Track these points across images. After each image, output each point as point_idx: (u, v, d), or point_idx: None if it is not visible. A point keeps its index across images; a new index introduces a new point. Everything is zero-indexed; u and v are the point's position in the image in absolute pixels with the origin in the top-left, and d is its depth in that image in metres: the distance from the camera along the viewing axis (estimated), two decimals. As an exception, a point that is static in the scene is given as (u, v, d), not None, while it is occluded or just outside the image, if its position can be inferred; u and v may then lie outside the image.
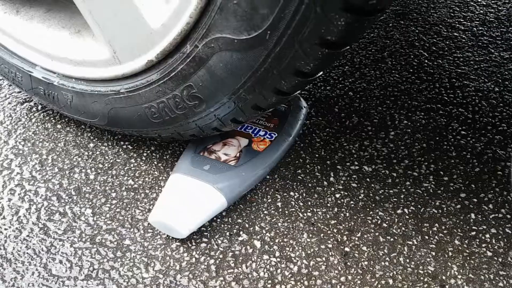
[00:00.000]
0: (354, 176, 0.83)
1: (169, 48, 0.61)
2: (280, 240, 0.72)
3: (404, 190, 0.80)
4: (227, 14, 0.51)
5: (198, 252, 0.70)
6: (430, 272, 0.67)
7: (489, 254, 0.70)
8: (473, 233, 0.73)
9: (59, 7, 0.85)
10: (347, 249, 0.71)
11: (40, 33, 0.81)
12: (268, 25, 0.49)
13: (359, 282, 0.66)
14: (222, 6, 0.51)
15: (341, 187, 0.81)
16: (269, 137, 0.83)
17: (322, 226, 0.74)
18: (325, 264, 0.69)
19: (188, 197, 0.71)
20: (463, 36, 1.20)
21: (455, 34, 1.21)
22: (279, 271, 0.68)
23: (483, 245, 0.71)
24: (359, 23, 0.47)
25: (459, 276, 0.67)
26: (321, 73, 0.58)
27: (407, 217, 0.76)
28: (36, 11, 0.84)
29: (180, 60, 0.61)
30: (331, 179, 0.82)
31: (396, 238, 0.72)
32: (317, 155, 0.87)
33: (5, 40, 0.85)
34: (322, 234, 0.73)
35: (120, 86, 0.71)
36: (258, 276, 0.67)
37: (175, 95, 0.65)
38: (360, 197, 0.79)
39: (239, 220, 0.76)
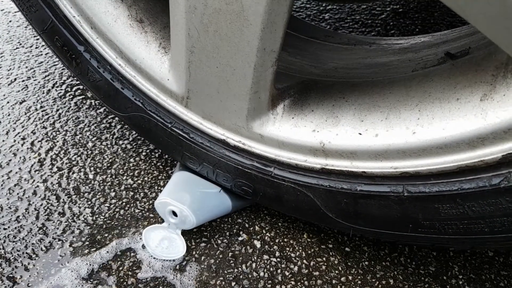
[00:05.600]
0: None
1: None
2: (280, 240, 0.72)
3: (404, 189, 0.80)
4: None
5: (198, 252, 0.70)
6: (431, 272, 0.67)
7: (490, 254, 0.70)
8: (474, 232, 0.73)
9: None
10: (347, 249, 0.71)
11: None
12: None
13: (359, 282, 0.66)
14: None
15: (341, 186, 0.80)
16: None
17: (323, 226, 0.74)
18: (325, 264, 0.68)
19: (198, 194, 0.71)
20: (464, 35, 1.19)
21: (456, 33, 1.20)
22: (279, 271, 0.67)
23: (484, 245, 0.71)
24: None
25: (460, 276, 0.66)
26: None
27: (408, 216, 0.75)
28: None
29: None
30: (332, 178, 0.82)
31: (397, 238, 0.72)
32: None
33: None
34: (322, 234, 0.73)
35: (173, 121, 0.68)
36: (258, 276, 0.66)
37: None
38: (360, 197, 0.79)
39: (239, 220, 0.75)
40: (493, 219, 0.45)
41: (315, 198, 0.59)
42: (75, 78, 1.09)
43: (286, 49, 0.77)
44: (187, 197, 0.68)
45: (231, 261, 0.68)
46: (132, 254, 0.69)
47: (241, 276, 0.66)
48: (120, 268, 0.67)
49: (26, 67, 1.14)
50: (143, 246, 0.70)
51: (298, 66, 0.70)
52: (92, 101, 1.02)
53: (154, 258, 0.68)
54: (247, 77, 0.53)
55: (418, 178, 0.49)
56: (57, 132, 0.93)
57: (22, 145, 0.90)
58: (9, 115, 0.98)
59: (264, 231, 0.73)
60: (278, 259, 0.69)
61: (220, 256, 0.69)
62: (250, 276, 0.66)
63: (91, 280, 0.65)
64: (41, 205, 0.77)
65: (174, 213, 0.68)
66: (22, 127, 0.94)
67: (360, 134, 0.51)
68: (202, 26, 0.51)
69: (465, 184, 0.45)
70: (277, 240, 0.72)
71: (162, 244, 0.68)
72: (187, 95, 0.62)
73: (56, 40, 0.73)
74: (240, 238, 0.72)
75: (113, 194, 0.80)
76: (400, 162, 0.49)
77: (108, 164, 0.86)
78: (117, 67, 0.69)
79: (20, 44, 1.24)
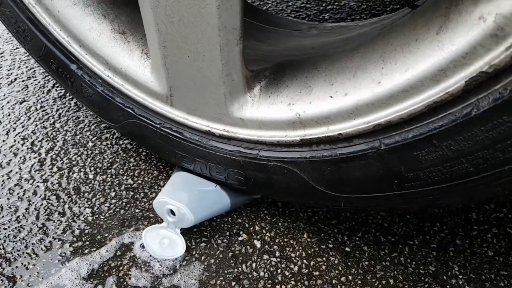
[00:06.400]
0: (355, 175, 0.82)
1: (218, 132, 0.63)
2: (281, 240, 0.72)
3: (405, 189, 0.80)
4: None
5: (198, 252, 0.70)
6: (431, 272, 0.67)
7: (490, 254, 0.70)
8: (475, 232, 0.73)
9: None
10: (347, 249, 0.71)
11: (73, 11, 0.69)
12: None
13: (359, 282, 0.66)
14: None
15: (341, 186, 0.80)
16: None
17: (323, 226, 0.74)
18: (325, 264, 0.68)
19: (195, 192, 0.71)
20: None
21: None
22: (279, 271, 0.67)
23: (484, 245, 0.71)
24: None
25: (460, 276, 0.66)
26: None
27: (408, 216, 0.75)
28: None
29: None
30: (332, 178, 0.82)
31: (397, 238, 0.72)
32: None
33: None
34: (322, 234, 0.73)
35: (161, 122, 0.69)
36: (258, 276, 0.66)
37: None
38: (360, 197, 0.79)
39: (239, 220, 0.75)
40: (474, 155, 0.44)
41: (302, 172, 0.59)
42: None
43: (265, 41, 0.78)
44: (184, 196, 0.68)
45: (231, 261, 0.69)
46: (132, 254, 0.69)
47: (241, 276, 0.66)
48: (120, 268, 0.67)
49: (26, 67, 1.14)
50: (143, 246, 0.70)
51: (276, 52, 0.72)
52: (92, 101, 1.02)
53: (154, 257, 0.68)
54: (216, 60, 0.54)
55: (392, 128, 0.49)
56: (57, 132, 0.93)
57: (22, 145, 0.90)
58: (9, 115, 0.98)
59: (264, 231, 0.73)
60: (278, 259, 0.69)
61: (220, 256, 0.69)
62: (250, 276, 0.66)
63: (91, 280, 0.65)
64: (41, 205, 0.77)
65: (173, 212, 0.68)
66: (22, 127, 0.94)
67: (331, 97, 0.52)
68: (167, 18, 0.53)
69: (437, 122, 0.45)
70: (277, 240, 0.72)
71: (162, 244, 0.68)
72: (170, 93, 0.64)
73: (51, 64, 0.78)
74: (240, 238, 0.72)
75: (113, 194, 0.80)
76: (371, 116, 0.49)
77: (108, 164, 0.86)
78: (106, 78, 0.72)
79: (20, 44, 1.24)
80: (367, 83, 0.49)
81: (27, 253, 0.70)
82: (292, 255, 0.69)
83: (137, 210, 0.77)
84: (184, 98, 0.63)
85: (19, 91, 1.05)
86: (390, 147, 0.49)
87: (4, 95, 1.04)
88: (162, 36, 0.56)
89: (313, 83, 0.55)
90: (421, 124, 0.46)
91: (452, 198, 0.51)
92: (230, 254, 0.70)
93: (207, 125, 0.64)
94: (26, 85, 1.07)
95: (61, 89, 1.06)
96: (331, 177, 0.57)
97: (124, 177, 0.83)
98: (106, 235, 0.72)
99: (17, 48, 1.22)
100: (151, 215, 0.76)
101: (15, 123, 0.96)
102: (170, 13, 0.52)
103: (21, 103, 1.01)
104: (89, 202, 0.78)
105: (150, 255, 0.69)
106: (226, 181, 0.69)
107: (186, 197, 0.68)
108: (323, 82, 0.54)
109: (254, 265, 0.68)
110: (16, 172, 0.84)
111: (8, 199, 0.78)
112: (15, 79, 1.10)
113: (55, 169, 0.84)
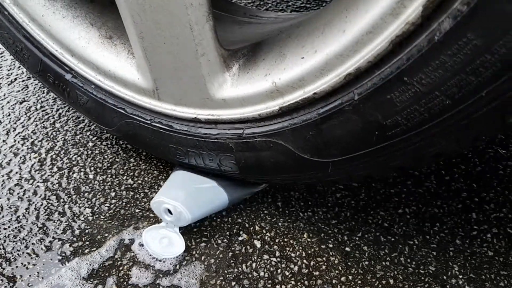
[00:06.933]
0: (355, 175, 0.82)
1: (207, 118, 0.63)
2: (281, 240, 0.72)
3: (405, 189, 0.80)
4: None
5: (198, 252, 0.70)
6: (431, 272, 0.67)
7: (490, 253, 0.70)
8: (475, 232, 0.73)
9: None
10: (347, 249, 0.71)
11: (63, 24, 0.72)
12: None
13: (359, 282, 0.66)
14: None
15: (342, 186, 0.80)
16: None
17: (323, 226, 0.74)
18: (325, 264, 0.68)
19: (192, 189, 0.71)
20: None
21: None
22: (279, 271, 0.67)
23: (484, 245, 0.71)
24: None
25: (460, 276, 0.66)
26: None
27: (408, 216, 0.75)
28: None
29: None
30: (332, 178, 0.82)
31: (397, 238, 0.72)
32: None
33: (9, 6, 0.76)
34: (322, 234, 0.73)
35: (152, 117, 0.70)
36: (258, 276, 0.66)
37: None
38: (361, 197, 0.79)
39: (239, 220, 0.75)
40: (446, 84, 0.43)
41: (286, 143, 0.59)
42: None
43: (247, 29, 0.79)
44: (180, 194, 0.68)
45: (231, 261, 0.69)
46: (132, 253, 0.69)
47: (241, 276, 0.66)
48: (120, 268, 0.67)
49: (27, 67, 1.14)
50: (143, 246, 0.70)
51: (256, 35, 0.72)
52: (92, 101, 1.02)
53: (153, 257, 0.68)
54: (189, 40, 0.55)
55: (362, 76, 0.48)
56: (58, 132, 0.93)
57: (22, 145, 0.90)
58: (9, 115, 0.98)
59: (264, 231, 0.73)
60: (278, 259, 0.69)
61: (220, 256, 0.69)
62: (250, 276, 0.66)
63: (91, 279, 0.65)
64: (42, 205, 0.77)
65: (170, 211, 0.68)
66: (23, 127, 0.95)
67: (303, 58, 0.52)
68: (139, 7, 0.54)
69: (404, 57, 0.44)
70: (277, 240, 0.72)
71: (161, 243, 0.69)
72: (155, 86, 0.65)
73: (48, 77, 0.80)
74: (240, 238, 0.72)
75: (113, 194, 0.80)
76: (341, 67, 0.49)
77: (109, 164, 0.86)
78: (98, 83, 0.73)
79: (21, 44, 1.24)
80: (333, 36, 0.49)
81: (27, 253, 0.70)
82: (292, 255, 0.70)
83: (137, 210, 0.77)
84: (168, 89, 0.64)
85: (19, 91, 1.05)
86: (364, 96, 0.49)
87: (4, 95, 1.04)
88: (138, 27, 0.57)
89: (287, 50, 0.56)
90: (389, 64, 0.46)
91: (439, 143, 0.50)
92: (230, 254, 0.70)
93: (194, 113, 0.65)
94: (26, 85, 1.07)
95: (61, 89, 1.06)
96: (314, 142, 0.57)
97: (124, 177, 0.83)
98: (106, 235, 0.72)
99: (17, 48, 1.22)
100: (151, 215, 0.76)
101: (15, 123, 0.96)
102: (141, 2, 0.53)
103: (21, 103, 1.01)
104: (89, 202, 0.78)
105: (150, 255, 0.69)
106: (219, 167, 0.69)
107: (182, 195, 0.68)
108: (295, 46, 0.55)
109: (254, 265, 0.68)
110: (16, 172, 0.84)
111: (8, 199, 0.78)
112: (15, 79, 1.10)
113: (55, 169, 0.84)
